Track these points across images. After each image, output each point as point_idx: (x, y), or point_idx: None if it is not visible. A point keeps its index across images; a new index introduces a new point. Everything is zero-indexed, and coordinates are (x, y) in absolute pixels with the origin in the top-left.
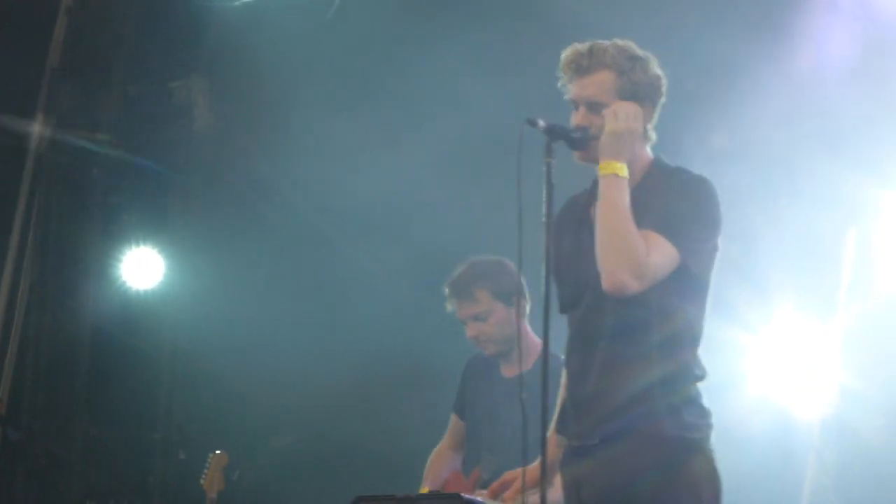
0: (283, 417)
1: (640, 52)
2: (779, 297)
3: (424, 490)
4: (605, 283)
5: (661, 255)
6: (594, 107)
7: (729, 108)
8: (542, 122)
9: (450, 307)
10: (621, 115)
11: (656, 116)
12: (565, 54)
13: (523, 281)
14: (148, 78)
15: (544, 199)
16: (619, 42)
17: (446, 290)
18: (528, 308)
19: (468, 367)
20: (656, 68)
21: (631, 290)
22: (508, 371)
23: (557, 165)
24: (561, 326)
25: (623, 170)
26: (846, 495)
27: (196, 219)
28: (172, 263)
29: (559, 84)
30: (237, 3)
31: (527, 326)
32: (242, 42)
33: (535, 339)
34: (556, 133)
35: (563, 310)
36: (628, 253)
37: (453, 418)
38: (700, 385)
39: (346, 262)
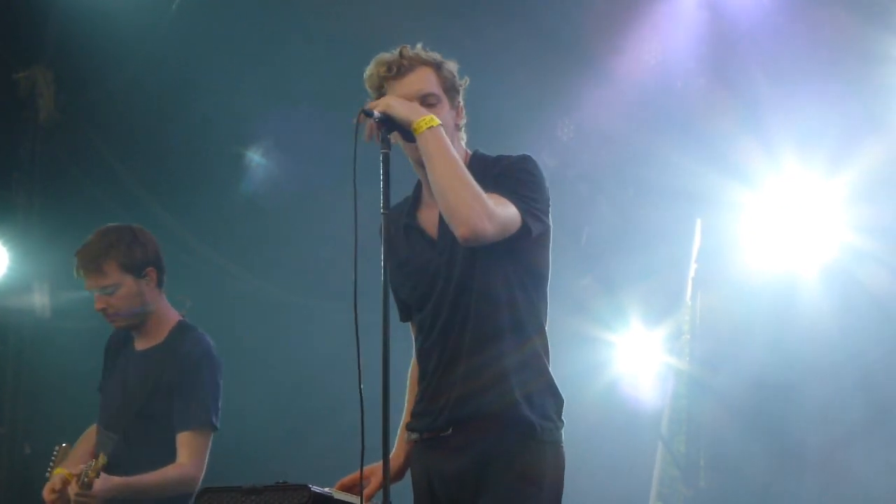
0: None
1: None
2: (627, 287)
3: (58, 471)
4: (461, 231)
5: (503, 207)
6: (426, 99)
7: (575, 99)
8: (377, 113)
9: (77, 277)
10: (390, 98)
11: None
12: (374, 66)
13: (158, 250)
14: None
15: (381, 189)
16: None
17: (75, 261)
18: (162, 280)
19: (109, 342)
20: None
21: (486, 233)
22: (141, 344)
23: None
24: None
25: (434, 119)
26: (694, 485)
27: (41, 211)
28: (17, 256)
29: (367, 103)
30: None
31: (162, 298)
32: (87, 33)
33: (171, 312)
34: (391, 123)
35: (405, 317)
36: (474, 196)
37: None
38: (552, 374)
39: (194, 256)
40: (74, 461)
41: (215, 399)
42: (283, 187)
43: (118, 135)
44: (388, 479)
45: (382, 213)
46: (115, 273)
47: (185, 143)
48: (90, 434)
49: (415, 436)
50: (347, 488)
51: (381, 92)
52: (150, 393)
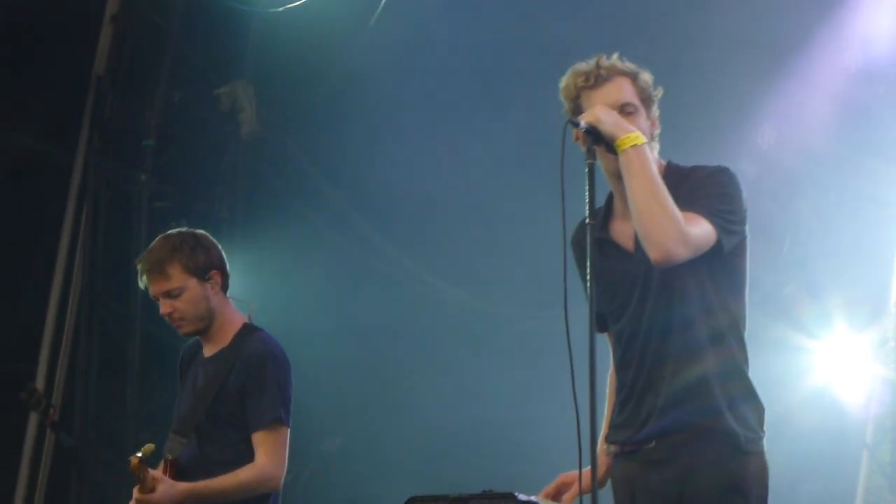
0: (335, 421)
1: None
2: (830, 294)
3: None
4: (654, 255)
5: (698, 227)
6: (624, 108)
7: (777, 105)
8: (583, 123)
9: (142, 284)
10: (599, 110)
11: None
12: (571, 77)
13: (222, 255)
14: (192, 84)
15: (587, 200)
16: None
17: (138, 266)
18: (227, 283)
19: (181, 361)
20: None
21: (679, 257)
22: (209, 350)
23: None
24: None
25: (640, 137)
26: None
27: (244, 225)
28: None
29: (564, 111)
30: (281, 9)
31: (228, 302)
32: (287, 47)
33: (237, 316)
34: (597, 135)
35: (602, 328)
36: (670, 219)
37: None
38: (753, 381)
39: (393, 267)
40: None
41: (284, 397)
42: (481, 194)
43: (320, 148)
44: (596, 484)
45: (588, 224)
46: (180, 276)
47: (388, 155)
48: None
49: (615, 448)
50: (551, 496)
51: (576, 102)
52: (217, 394)
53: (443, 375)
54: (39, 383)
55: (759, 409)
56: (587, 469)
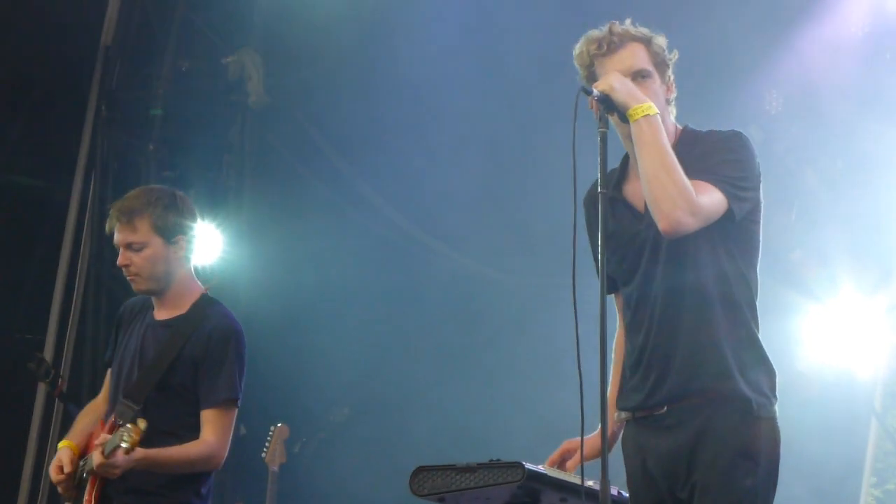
0: (342, 390)
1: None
2: (838, 260)
3: (64, 444)
4: (662, 225)
5: (708, 196)
6: (639, 75)
7: (783, 71)
8: (596, 92)
9: (108, 228)
10: (612, 79)
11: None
12: (584, 44)
13: (196, 221)
14: (200, 53)
15: (599, 169)
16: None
17: (110, 210)
18: (191, 250)
19: (122, 312)
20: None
21: (687, 228)
22: (162, 314)
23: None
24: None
25: (651, 108)
26: None
27: (251, 194)
28: (230, 239)
29: (578, 77)
30: None
31: (189, 269)
32: (294, 15)
33: (195, 284)
34: (610, 103)
35: (612, 289)
36: (679, 189)
37: (108, 372)
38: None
39: (401, 235)
40: (78, 435)
41: (241, 375)
42: (493, 160)
43: (326, 116)
44: (606, 454)
45: (600, 193)
46: (146, 232)
47: (395, 123)
48: (93, 407)
49: (626, 415)
50: (556, 464)
51: (590, 70)
52: (172, 364)
53: (449, 345)
54: (48, 354)
55: (770, 375)
56: (589, 436)
